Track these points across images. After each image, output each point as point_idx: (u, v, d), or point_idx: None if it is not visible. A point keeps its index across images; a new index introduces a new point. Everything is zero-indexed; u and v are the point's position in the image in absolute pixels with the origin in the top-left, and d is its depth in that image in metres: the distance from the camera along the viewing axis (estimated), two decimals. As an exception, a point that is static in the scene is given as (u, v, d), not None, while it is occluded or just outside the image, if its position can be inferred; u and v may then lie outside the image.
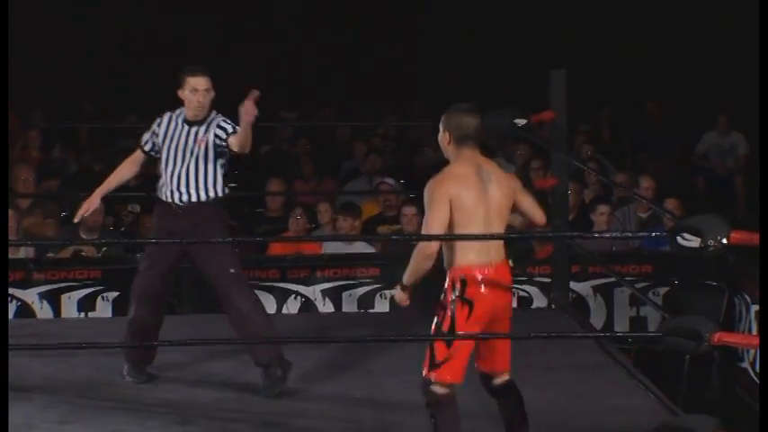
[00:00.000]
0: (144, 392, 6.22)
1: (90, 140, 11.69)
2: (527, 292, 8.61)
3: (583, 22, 13.70)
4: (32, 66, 13.31)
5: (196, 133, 6.19)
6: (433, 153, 11.73)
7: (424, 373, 5.03)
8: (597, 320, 8.60)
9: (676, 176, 11.69)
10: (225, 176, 6.25)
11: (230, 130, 6.12)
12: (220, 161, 6.19)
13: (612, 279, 8.47)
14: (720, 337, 4.82)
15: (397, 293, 5.13)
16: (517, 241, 8.15)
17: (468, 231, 4.97)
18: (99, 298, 8.49)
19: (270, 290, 8.57)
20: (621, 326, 8.64)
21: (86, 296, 8.48)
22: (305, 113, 12.98)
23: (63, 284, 8.47)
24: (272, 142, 12.01)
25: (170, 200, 6.20)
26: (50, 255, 8.74)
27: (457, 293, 4.97)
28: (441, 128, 5.11)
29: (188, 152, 6.18)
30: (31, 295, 8.43)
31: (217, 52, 13.91)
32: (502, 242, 5.10)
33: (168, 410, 5.99)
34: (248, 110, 5.92)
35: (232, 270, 6.21)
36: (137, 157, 6.41)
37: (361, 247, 8.95)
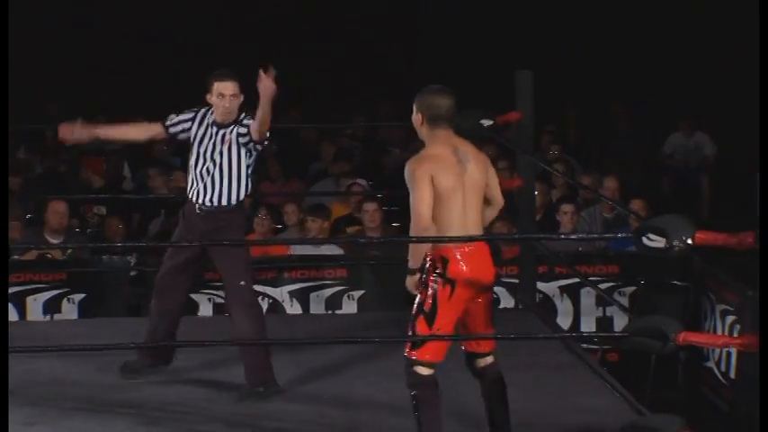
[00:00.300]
0: (109, 394, 6.21)
1: (55, 142, 11.63)
2: (495, 293, 8.61)
3: (549, 23, 13.74)
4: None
5: (223, 135, 6.16)
6: (401, 154, 11.76)
7: (406, 352, 5.06)
8: (564, 321, 8.63)
9: (642, 177, 11.73)
10: (250, 177, 6.24)
11: (251, 123, 6.11)
12: (247, 162, 6.17)
13: (579, 280, 8.50)
14: (686, 336, 4.84)
15: (409, 280, 5.09)
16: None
17: (447, 210, 5.01)
18: (65, 300, 8.48)
19: (237, 291, 8.56)
20: (588, 326, 8.67)
21: (52, 298, 8.46)
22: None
23: (28, 287, 8.44)
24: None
25: (195, 201, 6.19)
26: (15, 257, 8.71)
27: (438, 272, 5.00)
28: (414, 109, 5.14)
29: (216, 154, 6.15)
30: (-7, 297, 8.40)
31: (194, 51, 13.91)
32: (480, 221, 5.13)
33: (134, 411, 5.98)
34: (266, 85, 5.91)
35: (242, 282, 6.19)
36: (153, 129, 6.37)
37: (328, 249, 8.96)
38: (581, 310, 8.74)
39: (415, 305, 5.07)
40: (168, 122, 6.33)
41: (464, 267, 5.02)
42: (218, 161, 6.16)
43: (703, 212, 11.66)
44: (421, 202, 4.98)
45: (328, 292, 8.58)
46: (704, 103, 12.48)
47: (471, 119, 7.39)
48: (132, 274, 8.72)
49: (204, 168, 6.17)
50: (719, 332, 7.88)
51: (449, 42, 13.78)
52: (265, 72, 5.91)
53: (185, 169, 10.55)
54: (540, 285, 8.26)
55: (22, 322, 8.26)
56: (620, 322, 8.58)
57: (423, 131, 5.14)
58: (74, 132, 6.39)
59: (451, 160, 5.05)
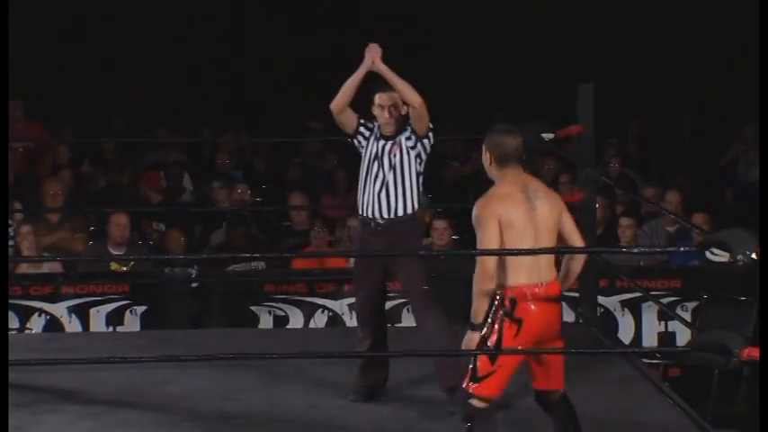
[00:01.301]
0: (173, 407, 6.22)
1: (118, 155, 11.74)
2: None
3: (611, 36, 13.69)
4: (61, 81, 13.39)
5: (392, 147, 6.16)
6: (460, 166, 11.76)
7: (465, 384, 5.06)
8: (625, 335, 8.59)
9: (704, 190, 11.66)
10: (421, 186, 6.25)
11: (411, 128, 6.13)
12: (418, 169, 6.18)
13: (640, 294, 8.45)
14: (750, 352, 4.81)
15: (470, 338, 5.04)
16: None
17: (490, 248, 4.97)
18: (127, 312, 8.54)
19: (297, 304, 8.60)
20: (649, 341, 8.63)
21: (115, 310, 8.53)
22: (331, 125, 12.97)
23: (91, 298, 8.52)
24: (300, 156, 12.05)
25: (369, 215, 6.17)
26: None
27: (507, 311, 4.98)
28: (483, 149, 5.16)
29: (386, 166, 6.15)
30: (59, 309, 8.48)
31: (247, 62, 13.96)
32: (553, 261, 5.10)
33: (196, 423, 6.00)
34: (371, 52, 6.03)
35: (426, 287, 6.16)
36: (352, 117, 6.25)
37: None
38: (642, 325, 8.70)
39: (479, 338, 5.04)
40: (361, 125, 6.26)
41: (533, 307, 4.99)
42: (389, 174, 6.14)
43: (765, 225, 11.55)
44: (488, 245, 4.96)
45: (389, 305, 8.58)
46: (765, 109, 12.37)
47: (532, 132, 7.39)
48: (193, 285, 8.77)
49: (377, 183, 6.15)
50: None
51: (510, 55, 13.76)
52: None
53: (247, 182, 10.72)
54: (601, 299, 8.23)
55: (86, 334, 8.34)
56: (682, 337, 8.53)
57: (492, 171, 5.14)
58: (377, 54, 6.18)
59: (521, 198, 5.04)
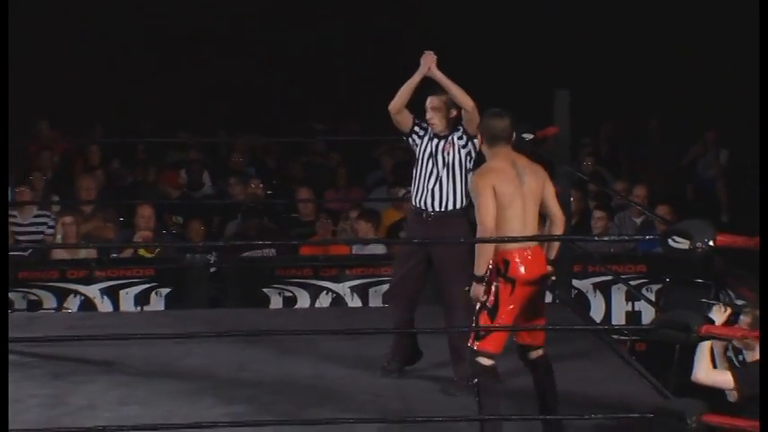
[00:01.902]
0: (195, 378, 6.24)
1: (145, 155, 11.75)
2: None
3: (584, 46, 13.70)
4: (93, 86, 13.38)
5: (444, 145, 6.10)
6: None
7: (470, 343, 5.12)
8: (597, 314, 8.60)
9: (668, 185, 11.67)
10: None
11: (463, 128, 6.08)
12: (469, 166, 6.08)
13: (610, 277, 8.47)
14: (707, 329, 4.83)
15: (475, 288, 5.13)
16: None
17: (508, 217, 5.09)
18: (153, 293, 8.55)
19: (305, 286, 8.61)
20: (618, 319, 8.64)
21: (142, 292, 8.54)
22: (334, 127, 12.99)
23: (121, 281, 8.53)
24: (306, 155, 12.06)
25: (422, 207, 6.11)
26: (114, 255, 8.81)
27: (501, 273, 5.06)
28: (478, 132, 5.33)
29: (439, 163, 6.09)
30: (93, 291, 8.48)
31: (255, 70, 13.94)
32: (537, 226, 5.23)
33: (214, 391, 6.02)
34: (426, 59, 6.02)
35: (466, 288, 5.76)
36: (408, 118, 6.18)
37: (385, 249, 8.99)
38: (612, 305, 8.72)
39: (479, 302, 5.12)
40: (416, 125, 6.19)
41: (522, 268, 5.09)
42: (442, 170, 6.08)
43: (722, 217, 11.58)
44: (485, 213, 5.07)
45: (385, 287, 8.60)
46: (724, 116, 12.41)
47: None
48: (212, 270, 8.78)
49: (431, 178, 6.09)
50: (736, 325, 7.82)
51: (493, 62, 13.75)
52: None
53: (259, 178, 10.73)
54: (576, 282, 8.24)
55: (116, 313, 8.35)
56: (647, 316, 8.54)
57: (484, 149, 5.28)
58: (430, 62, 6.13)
59: (511, 173, 5.14)
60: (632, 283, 8.45)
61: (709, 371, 5.07)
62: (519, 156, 5.26)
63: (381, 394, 6.00)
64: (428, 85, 6.16)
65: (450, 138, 6.12)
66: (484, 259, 5.09)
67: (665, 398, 5.65)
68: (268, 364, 6.43)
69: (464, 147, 6.11)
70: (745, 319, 5.04)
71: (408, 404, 5.86)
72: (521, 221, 5.12)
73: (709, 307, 5.19)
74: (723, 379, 5.05)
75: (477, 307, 5.15)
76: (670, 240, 4.75)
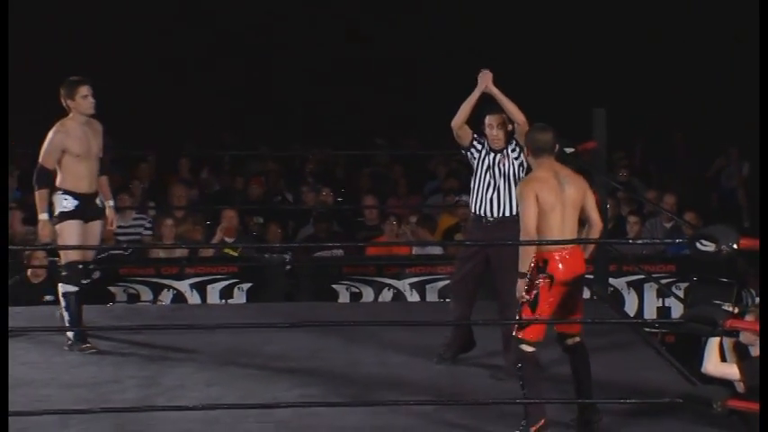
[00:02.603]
0: (272, 363, 6.24)
1: (230, 165, 11.82)
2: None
3: (620, 71, 13.62)
4: (183, 106, 13.47)
5: (501, 158, 6.10)
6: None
7: (514, 332, 5.13)
8: (630, 309, 8.53)
9: (695, 194, 11.57)
10: None
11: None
12: (521, 176, 6.04)
13: (643, 276, 8.40)
14: (731, 323, 4.79)
15: (520, 283, 5.12)
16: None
17: (549, 222, 5.07)
18: (236, 288, 8.58)
19: (369, 283, 8.61)
20: (650, 314, 8.57)
21: (226, 286, 8.58)
22: (395, 141, 12.98)
23: (208, 277, 8.58)
24: (371, 166, 12.07)
25: (482, 214, 6.09)
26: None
27: (541, 269, 5.06)
28: (523, 144, 5.32)
29: (497, 174, 6.08)
30: (184, 286, 8.54)
31: (327, 91, 13.97)
32: (576, 230, 5.20)
33: (288, 376, 6.01)
34: (484, 78, 6.01)
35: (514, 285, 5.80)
36: (468, 133, 6.14)
37: (440, 250, 8.97)
38: (644, 301, 8.64)
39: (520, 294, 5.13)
40: (474, 140, 6.16)
41: (560, 266, 5.07)
42: (499, 180, 6.07)
43: (744, 223, 11.45)
44: (527, 218, 5.07)
45: (440, 284, 8.58)
46: (745, 132, 12.28)
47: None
48: (287, 268, 8.80)
49: (489, 188, 6.08)
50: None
51: (539, 84, 13.70)
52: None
53: (329, 187, 10.75)
54: (612, 281, 8.17)
55: (204, 305, 8.39)
56: (676, 311, 8.45)
57: (530, 160, 5.26)
58: (486, 81, 6.11)
59: (553, 182, 5.12)
60: (663, 281, 8.37)
61: (717, 364, 5.07)
62: (562, 166, 5.24)
63: (437, 379, 5.98)
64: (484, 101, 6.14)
65: (504, 151, 6.10)
66: (526, 259, 5.09)
67: (692, 385, 5.58)
68: (336, 352, 6.43)
69: (517, 158, 6.09)
70: (749, 318, 5.00)
71: (461, 388, 5.84)
72: (560, 226, 5.09)
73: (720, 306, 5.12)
74: (730, 371, 5.04)
75: (519, 299, 5.14)
76: (697, 243, 4.71)
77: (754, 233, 4.83)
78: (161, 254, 8.84)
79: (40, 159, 6.17)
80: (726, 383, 5.07)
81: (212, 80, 13.99)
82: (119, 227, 9.43)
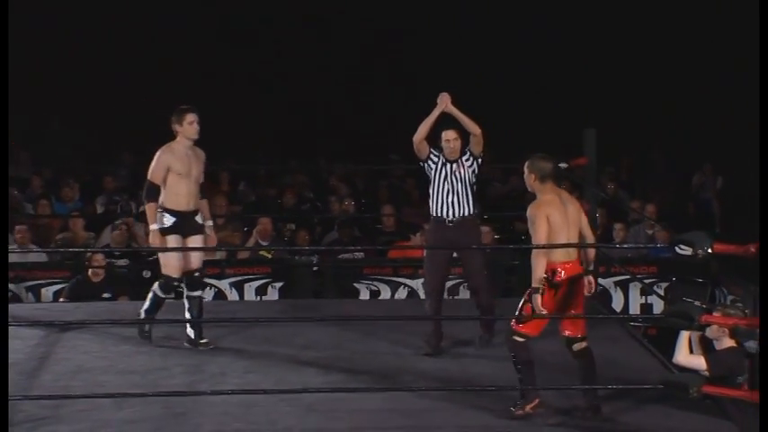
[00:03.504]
0: (301, 353, 6.24)
1: (264, 178, 11.84)
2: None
3: (609, 94, 13.61)
4: (225, 124, 13.48)
5: (456, 167, 6.16)
6: (501, 186, 11.70)
7: (512, 324, 5.15)
8: (617, 306, 8.51)
9: (673, 204, 11.55)
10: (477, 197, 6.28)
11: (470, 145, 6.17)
12: (473, 181, 6.17)
13: (628, 276, 8.37)
14: (706, 318, 4.78)
15: (535, 300, 5.07)
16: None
17: (558, 239, 5.07)
18: (269, 286, 8.59)
19: (387, 282, 8.60)
20: (634, 310, 8.54)
21: (261, 285, 8.59)
22: (408, 155, 12.95)
23: (245, 276, 8.59)
24: (388, 179, 12.07)
25: (442, 216, 6.17)
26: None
27: (548, 279, 5.07)
28: (526, 171, 5.21)
29: (453, 181, 6.15)
30: (224, 284, 8.55)
31: (351, 110, 13.96)
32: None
33: (316, 363, 6.01)
34: (443, 99, 6.08)
35: (485, 273, 6.13)
36: (425, 148, 6.22)
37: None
38: (629, 299, 8.61)
39: (526, 295, 5.12)
40: (431, 153, 6.22)
41: (564, 276, 5.09)
42: (456, 185, 6.14)
43: (716, 229, 11.42)
44: (540, 238, 5.06)
45: (449, 284, 8.54)
46: (720, 147, 12.26)
47: (552, 162, 7.33)
48: (315, 269, 8.81)
49: (449, 193, 6.15)
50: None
51: (535, 106, 13.69)
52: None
53: (352, 197, 10.76)
54: (601, 281, 8.15)
55: (241, 302, 8.39)
56: (657, 307, 8.43)
57: (534, 186, 5.19)
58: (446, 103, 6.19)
59: (558, 203, 5.13)
60: (645, 281, 8.34)
61: (686, 355, 5.10)
62: (561, 190, 5.26)
63: (446, 367, 5.97)
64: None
65: (459, 160, 6.17)
66: (538, 274, 5.05)
67: (671, 373, 5.55)
68: (357, 343, 6.41)
69: (470, 166, 6.18)
70: (716, 314, 5.03)
71: (467, 374, 5.82)
72: (565, 241, 5.08)
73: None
74: (698, 362, 5.07)
75: (523, 301, 5.12)
76: (676, 248, 4.70)
77: (726, 239, 4.81)
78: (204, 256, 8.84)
79: (149, 176, 6.07)
80: (693, 372, 5.07)
81: (250, 102, 14.01)
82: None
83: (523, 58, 13.92)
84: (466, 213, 6.13)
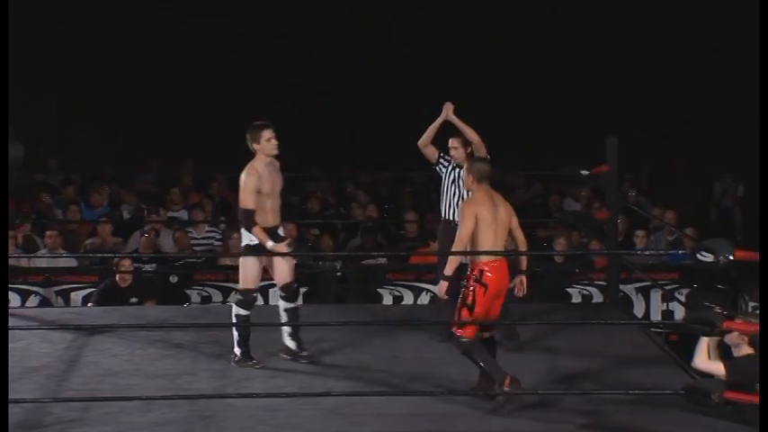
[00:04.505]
0: (326, 357, 6.23)
1: (287, 184, 11.82)
2: (589, 292, 8.50)
3: (631, 103, 13.57)
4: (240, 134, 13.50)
5: (463, 173, 6.17)
6: (524, 192, 11.67)
7: (455, 329, 5.41)
8: (638, 312, 8.46)
9: (695, 211, 11.49)
10: None
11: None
12: None
13: (649, 283, 8.33)
14: (727, 324, 4.75)
15: (442, 285, 5.43)
16: (583, 257, 8.13)
17: (485, 238, 5.32)
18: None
19: (409, 287, 8.60)
20: (656, 316, 8.50)
21: (287, 290, 8.57)
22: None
23: (271, 282, 8.50)
24: (411, 186, 12.07)
25: (450, 217, 6.33)
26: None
27: (477, 278, 5.33)
28: (465, 172, 5.56)
29: (461, 185, 6.25)
30: (250, 289, 8.55)
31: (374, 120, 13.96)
32: (503, 245, 5.45)
33: (340, 365, 6.03)
34: (446, 108, 6.28)
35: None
36: (434, 152, 6.41)
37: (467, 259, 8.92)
38: (651, 305, 8.57)
39: (460, 299, 5.39)
40: (441, 158, 6.41)
41: (491, 275, 5.32)
42: (463, 190, 6.21)
43: (738, 237, 11.35)
44: (465, 232, 5.31)
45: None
46: (742, 155, 12.19)
47: (574, 169, 7.35)
48: (338, 274, 8.81)
49: (455, 197, 6.29)
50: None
51: (558, 115, 13.66)
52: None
53: (375, 204, 10.77)
54: (623, 287, 8.11)
55: (266, 306, 8.40)
56: (678, 314, 8.38)
57: (472, 186, 5.49)
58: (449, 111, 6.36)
59: (490, 203, 5.39)
60: (667, 287, 8.30)
61: (705, 361, 5.12)
62: (495, 192, 5.50)
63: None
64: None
65: (467, 166, 6.20)
66: (453, 265, 5.38)
67: (693, 378, 5.53)
68: (380, 348, 6.40)
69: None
70: (737, 321, 5.00)
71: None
72: (493, 240, 5.33)
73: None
74: (717, 368, 5.08)
75: (459, 304, 5.39)
76: (698, 255, 4.67)
77: (747, 246, 4.78)
78: (229, 262, 8.89)
79: (242, 204, 5.91)
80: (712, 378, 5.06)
81: (277, 111, 14.03)
82: (193, 238, 9.51)
83: (547, 66, 13.90)
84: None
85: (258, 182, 5.93)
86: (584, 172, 7.31)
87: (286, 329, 6.12)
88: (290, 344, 6.10)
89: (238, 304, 6.08)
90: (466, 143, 6.30)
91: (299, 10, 13.93)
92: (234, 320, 6.06)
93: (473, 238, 5.32)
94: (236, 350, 6.04)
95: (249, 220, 5.90)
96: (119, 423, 5.09)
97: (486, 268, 5.32)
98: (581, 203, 10.50)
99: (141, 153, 12.50)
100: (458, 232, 5.34)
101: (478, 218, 5.31)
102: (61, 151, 12.52)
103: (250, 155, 6.07)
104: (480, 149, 6.26)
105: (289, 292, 6.12)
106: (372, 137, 14.09)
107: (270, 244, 5.91)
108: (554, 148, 12.32)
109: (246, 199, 5.91)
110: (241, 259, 6.10)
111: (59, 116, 13.18)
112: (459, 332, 5.36)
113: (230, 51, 13.86)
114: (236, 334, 6.04)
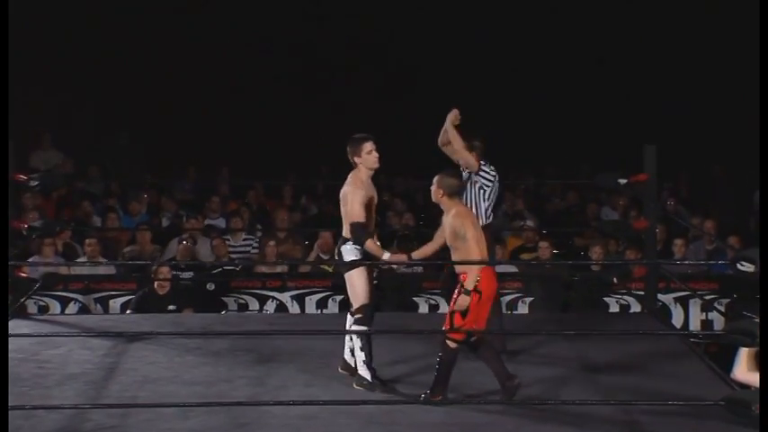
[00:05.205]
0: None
1: (324, 192, 11.90)
2: (627, 301, 8.44)
3: (668, 113, 13.48)
4: (286, 141, 13.58)
5: (476, 178, 6.33)
6: (559, 202, 11.61)
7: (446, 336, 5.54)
8: (677, 322, 8.39)
9: (734, 220, 11.36)
10: (491, 208, 6.40)
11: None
12: (485, 197, 6.32)
13: (688, 293, 8.25)
14: (768, 335, 4.68)
15: (462, 300, 5.43)
16: (621, 266, 8.09)
17: (474, 246, 5.44)
18: (330, 299, 8.62)
19: (444, 295, 8.55)
20: (695, 326, 8.41)
21: (321, 298, 8.61)
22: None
23: (306, 290, 8.62)
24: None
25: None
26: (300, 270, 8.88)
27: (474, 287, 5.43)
28: (434, 186, 5.58)
29: (469, 189, 6.31)
30: (285, 297, 8.59)
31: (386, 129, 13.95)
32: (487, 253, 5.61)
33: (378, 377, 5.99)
34: (450, 114, 6.30)
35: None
36: (473, 161, 6.39)
37: (506, 268, 8.89)
38: (690, 315, 8.49)
39: (455, 307, 5.46)
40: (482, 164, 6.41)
41: (483, 282, 5.44)
42: (470, 195, 6.30)
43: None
44: (473, 243, 5.41)
45: (508, 297, 8.52)
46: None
47: (611, 178, 7.30)
48: (374, 282, 8.75)
49: (464, 198, 6.24)
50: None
51: (596, 125, 13.59)
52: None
53: (411, 211, 10.75)
54: (661, 296, 8.05)
55: (302, 314, 8.43)
56: (718, 324, 8.30)
57: (442, 201, 5.56)
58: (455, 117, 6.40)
59: (472, 215, 5.68)
60: (706, 297, 8.22)
61: (744, 371, 5.03)
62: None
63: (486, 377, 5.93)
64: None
65: (479, 172, 6.35)
66: (475, 277, 5.41)
67: (732, 389, 5.46)
68: (416, 357, 6.36)
69: (476, 182, 6.34)
70: None
71: (525, 390, 5.77)
72: (483, 247, 5.50)
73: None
74: (755, 379, 4.98)
75: (452, 309, 5.46)
76: (738, 264, 4.63)
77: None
78: (265, 269, 8.93)
79: (354, 218, 5.79)
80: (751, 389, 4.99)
81: (312, 119, 14.09)
82: (231, 246, 9.56)
83: (585, 74, 13.84)
84: (482, 222, 6.20)
85: (365, 196, 5.85)
86: (622, 180, 7.26)
87: (348, 345, 5.98)
88: (351, 361, 5.95)
89: (359, 322, 5.84)
90: (470, 148, 6.30)
91: (340, 23, 13.96)
92: (359, 341, 5.82)
93: (464, 247, 5.42)
94: (364, 373, 5.80)
95: (362, 234, 5.76)
96: (157, 430, 5.12)
97: (481, 276, 5.42)
98: (618, 212, 10.44)
99: (179, 161, 12.58)
100: (470, 248, 5.42)
101: (474, 229, 5.46)
102: (101, 159, 12.63)
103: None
104: (468, 160, 6.25)
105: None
106: (409, 145, 14.08)
107: (386, 255, 5.83)
108: (592, 157, 12.22)
109: (357, 212, 5.77)
110: (349, 277, 5.85)
111: (99, 124, 13.30)
112: (452, 335, 5.44)
113: (268, 58, 13.91)
114: (362, 354, 5.80)
